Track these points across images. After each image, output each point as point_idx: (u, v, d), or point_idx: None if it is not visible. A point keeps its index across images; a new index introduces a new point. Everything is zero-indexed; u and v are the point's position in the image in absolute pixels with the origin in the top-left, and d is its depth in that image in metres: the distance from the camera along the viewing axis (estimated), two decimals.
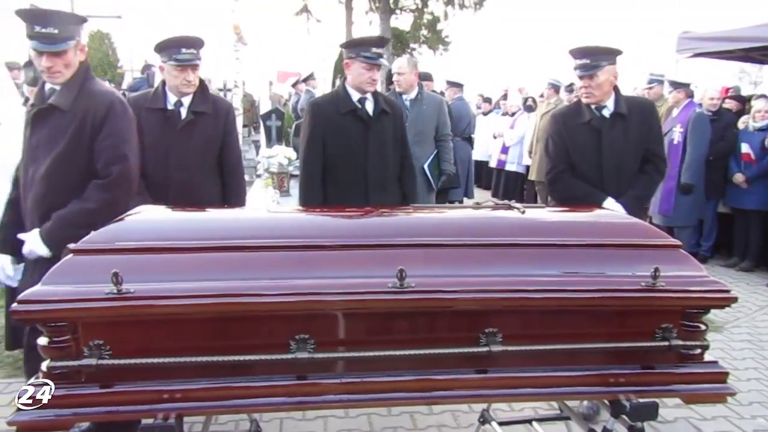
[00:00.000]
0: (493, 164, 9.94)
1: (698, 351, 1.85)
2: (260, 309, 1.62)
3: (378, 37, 3.36)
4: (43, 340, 1.57)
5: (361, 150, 3.15)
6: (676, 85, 6.35)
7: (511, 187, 9.58)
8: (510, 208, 2.01)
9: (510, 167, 9.43)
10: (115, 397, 1.61)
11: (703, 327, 1.82)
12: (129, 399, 1.61)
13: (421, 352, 1.68)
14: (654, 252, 1.87)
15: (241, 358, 1.61)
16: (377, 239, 1.78)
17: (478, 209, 2.04)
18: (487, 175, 10.81)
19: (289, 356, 1.63)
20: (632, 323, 1.79)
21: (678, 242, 1.92)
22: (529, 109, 9.10)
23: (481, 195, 9.95)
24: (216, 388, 1.65)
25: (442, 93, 7.91)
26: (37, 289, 1.56)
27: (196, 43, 3.08)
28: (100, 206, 2.49)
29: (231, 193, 3.30)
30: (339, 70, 23.30)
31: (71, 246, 1.72)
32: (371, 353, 1.66)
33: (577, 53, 3.07)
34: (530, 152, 8.39)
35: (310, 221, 1.95)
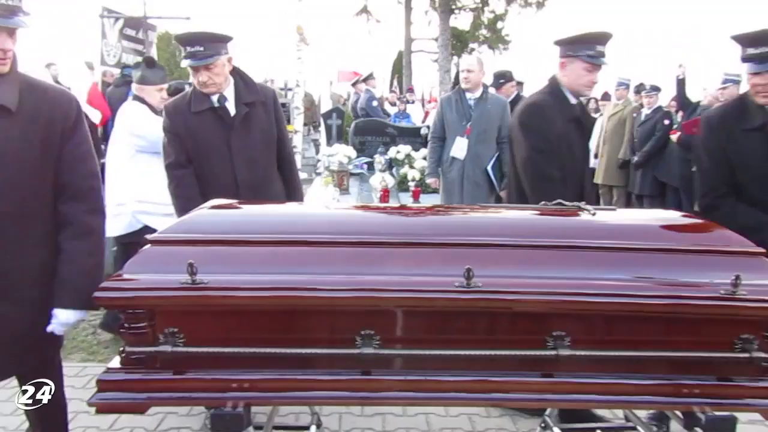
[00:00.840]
0: None
1: None
2: (328, 303, 1.64)
3: (602, 33, 2.81)
4: (123, 326, 1.64)
5: (581, 161, 2.78)
6: None
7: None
8: (580, 209, 1.96)
9: None
10: (187, 384, 1.66)
11: None
12: (200, 386, 1.66)
13: (487, 353, 1.66)
14: (735, 259, 1.78)
15: (309, 351, 1.64)
16: (444, 238, 1.77)
17: (547, 210, 2.00)
18: None
19: (355, 351, 1.64)
20: (709, 332, 1.71)
21: (761, 249, 1.82)
22: (596, 110, 8.86)
23: None
24: (283, 380, 1.68)
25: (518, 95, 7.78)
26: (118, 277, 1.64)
27: (202, 40, 2.72)
28: (101, 232, 2.14)
29: (290, 186, 3.13)
30: (397, 70, 23.42)
31: (149, 236, 1.78)
32: (437, 352, 1.65)
33: (754, 41, 2.40)
34: (596, 155, 8.17)
35: (378, 219, 1.96)
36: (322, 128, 10.90)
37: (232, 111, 2.87)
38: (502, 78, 5.88)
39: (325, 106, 14.05)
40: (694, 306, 1.68)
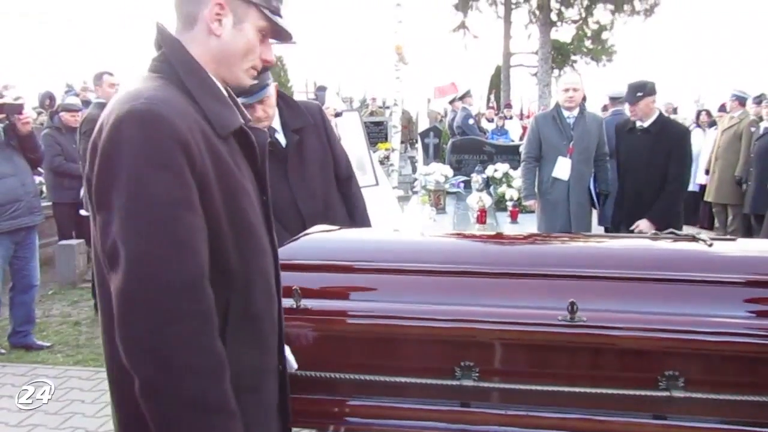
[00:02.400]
0: None
1: None
2: (426, 333, 1.65)
3: None
4: None
5: None
6: None
7: (691, 209, 8.79)
8: (694, 239, 1.85)
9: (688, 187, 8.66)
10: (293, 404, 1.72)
11: None
12: (303, 409, 1.71)
13: (594, 390, 1.59)
14: None
15: (408, 380, 1.65)
16: (547, 268, 1.72)
17: (657, 240, 1.90)
18: None
19: (455, 383, 1.63)
20: None
21: None
22: (712, 124, 8.27)
23: None
24: (382, 407, 1.70)
25: (605, 107, 7.50)
26: None
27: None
28: None
29: (352, 208, 2.85)
30: (494, 85, 23.13)
31: None
32: (539, 387, 1.61)
33: None
34: (707, 171, 7.66)
35: (478, 247, 1.94)
36: (419, 145, 10.99)
37: (283, 141, 2.64)
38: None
39: (423, 124, 14.16)
40: None
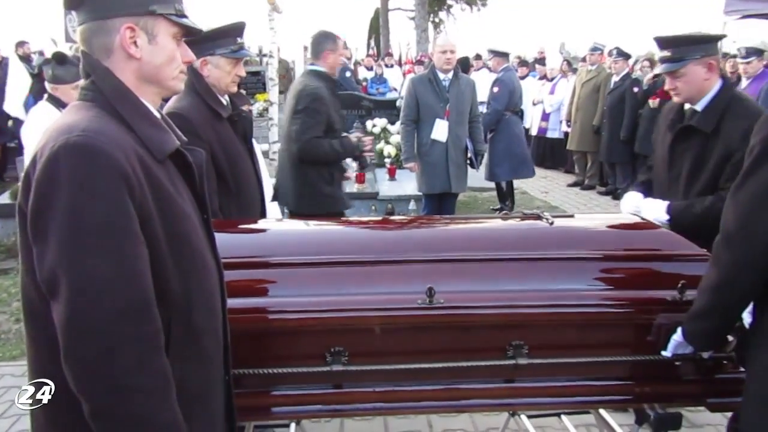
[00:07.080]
0: (534, 132, 9.69)
1: (726, 362, 1.87)
2: (296, 325, 1.72)
3: None
4: None
5: None
6: (752, 52, 5.77)
7: (556, 155, 9.40)
8: (539, 218, 2.04)
9: (551, 134, 9.22)
10: None
11: (730, 338, 1.84)
12: None
13: (452, 364, 1.76)
14: (683, 264, 1.89)
15: (281, 370, 1.72)
16: (406, 255, 1.84)
17: (507, 219, 2.08)
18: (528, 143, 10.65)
19: (325, 369, 1.73)
20: (661, 336, 1.82)
21: (706, 252, 1.92)
22: (575, 71, 8.72)
23: None
24: (259, 395, 1.77)
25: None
26: None
27: (241, 30, 2.50)
28: None
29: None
30: (374, 30, 22.96)
31: None
32: (402, 366, 1.75)
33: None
34: (568, 121, 8.21)
35: (341, 237, 2.02)
36: None
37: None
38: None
39: (300, 72, 13.83)
40: (646, 312, 1.80)
